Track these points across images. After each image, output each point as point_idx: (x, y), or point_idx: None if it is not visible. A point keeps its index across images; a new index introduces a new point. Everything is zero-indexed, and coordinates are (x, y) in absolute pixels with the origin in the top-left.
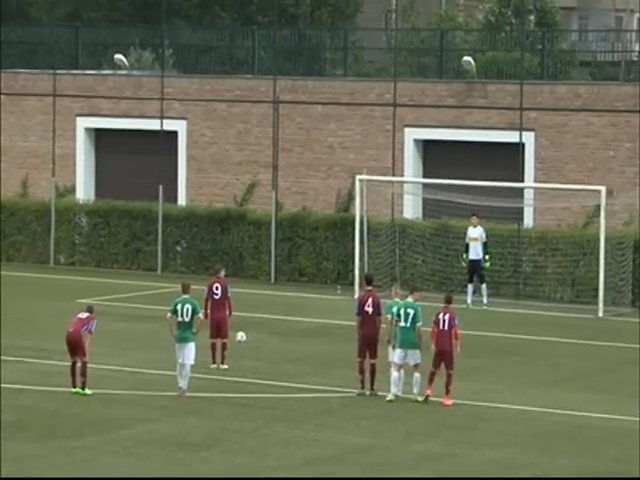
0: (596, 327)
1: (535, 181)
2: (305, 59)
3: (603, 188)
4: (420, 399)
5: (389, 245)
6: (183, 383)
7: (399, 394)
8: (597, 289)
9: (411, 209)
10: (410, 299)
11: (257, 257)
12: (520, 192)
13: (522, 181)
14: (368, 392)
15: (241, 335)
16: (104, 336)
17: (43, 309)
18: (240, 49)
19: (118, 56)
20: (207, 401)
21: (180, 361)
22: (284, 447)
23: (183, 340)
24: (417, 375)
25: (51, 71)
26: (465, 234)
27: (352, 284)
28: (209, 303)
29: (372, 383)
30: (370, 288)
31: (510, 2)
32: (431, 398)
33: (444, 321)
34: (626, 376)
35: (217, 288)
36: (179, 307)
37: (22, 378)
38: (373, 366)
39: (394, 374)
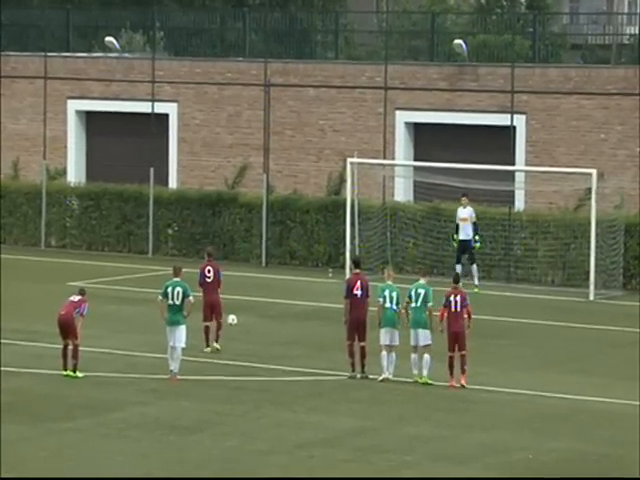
0: (587, 310)
1: (526, 164)
2: (296, 42)
3: (594, 171)
4: (430, 382)
5: (380, 228)
6: (174, 366)
7: (390, 377)
8: (588, 272)
9: (402, 192)
10: (422, 281)
11: (248, 240)
12: (511, 175)
13: (513, 164)
14: (359, 375)
15: (232, 318)
16: (95, 319)
17: (34, 292)
18: (231, 32)
19: (109, 38)
20: (198, 384)
21: (171, 344)
22: (275, 430)
23: (174, 323)
24: (427, 357)
25: (42, 53)
26: (456, 216)
27: (343, 267)
28: (203, 287)
29: (363, 366)
30: (358, 271)
31: None
32: (440, 383)
33: (456, 302)
34: (617, 359)
35: (209, 271)
36: (170, 290)
37: (13, 361)
38: (363, 349)
39: (384, 355)
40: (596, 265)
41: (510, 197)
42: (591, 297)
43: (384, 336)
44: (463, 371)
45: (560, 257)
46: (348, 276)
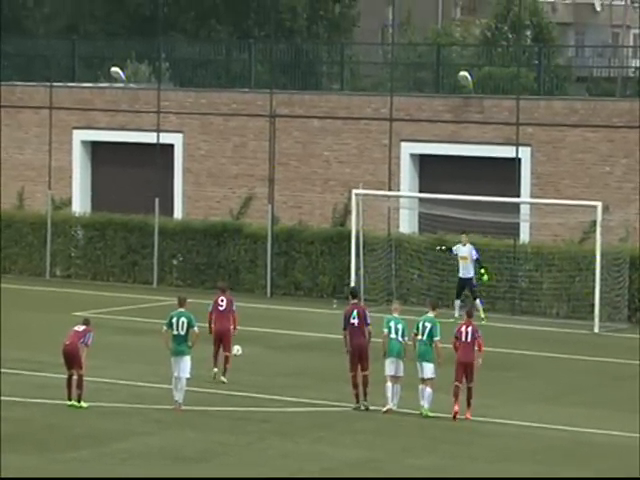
0: (592, 343)
1: (531, 196)
2: (302, 73)
3: (599, 204)
4: (431, 414)
5: (385, 259)
6: (179, 396)
7: (394, 408)
8: (593, 305)
9: (407, 223)
10: (430, 314)
11: (253, 271)
12: (516, 207)
13: (518, 196)
14: (363, 406)
15: (237, 349)
16: (100, 349)
17: (39, 321)
18: (236, 63)
19: (115, 69)
20: (203, 414)
21: (176, 374)
22: (279, 461)
23: (179, 353)
24: (429, 390)
25: (48, 84)
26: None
27: (348, 298)
28: (213, 316)
29: (365, 395)
30: (355, 301)
31: (507, 17)
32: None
33: (467, 333)
34: (622, 392)
35: (222, 300)
36: (174, 320)
37: (17, 390)
38: (365, 378)
39: (388, 386)
40: (601, 298)
41: (515, 229)
42: (596, 330)
43: (389, 367)
44: (469, 404)
45: (565, 289)
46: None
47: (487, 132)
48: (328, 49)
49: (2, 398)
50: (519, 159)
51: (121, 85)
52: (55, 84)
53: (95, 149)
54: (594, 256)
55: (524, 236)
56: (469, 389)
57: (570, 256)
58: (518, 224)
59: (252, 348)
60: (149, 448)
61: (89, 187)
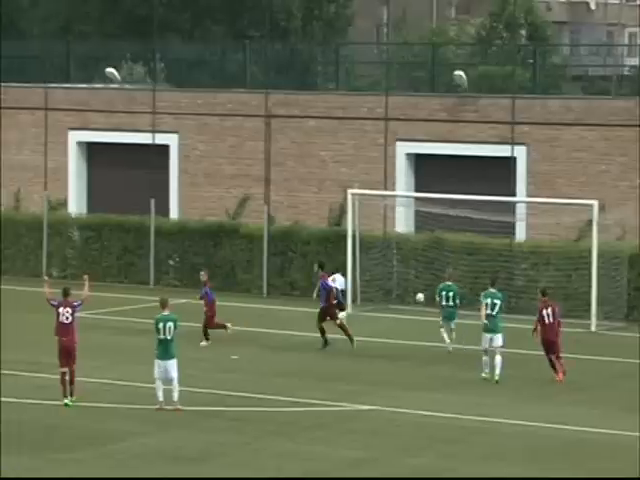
0: (589, 341)
1: (527, 195)
2: (297, 73)
3: (595, 202)
4: (498, 379)
5: (381, 259)
6: (175, 396)
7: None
8: (590, 303)
9: (403, 223)
10: (492, 289)
11: (249, 271)
12: (512, 206)
13: (514, 195)
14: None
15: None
16: (97, 349)
17: (36, 323)
18: (232, 63)
19: (110, 69)
20: (200, 415)
21: (164, 377)
22: (276, 461)
23: (165, 357)
24: (499, 358)
25: (43, 84)
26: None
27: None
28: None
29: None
30: (323, 273)
31: (501, 16)
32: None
33: (548, 315)
34: (619, 390)
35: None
36: (161, 326)
37: (15, 391)
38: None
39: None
40: (598, 296)
41: (511, 228)
42: (593, 328)
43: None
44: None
45: (561, 288)
46: (351, 309)
47: (482, 131)
48: (323, 49)
49: (1, 399)
50: (515, 158)
51: (116, 86)
52: (50, 85)
53: (91, 150)
54: (590, 255)
55: (520, 235)
56: (558, 358)
57: (566, 255)
58: (514, 223)
59: (249, 348)
60: (147, 448)
61: (85, 188)
